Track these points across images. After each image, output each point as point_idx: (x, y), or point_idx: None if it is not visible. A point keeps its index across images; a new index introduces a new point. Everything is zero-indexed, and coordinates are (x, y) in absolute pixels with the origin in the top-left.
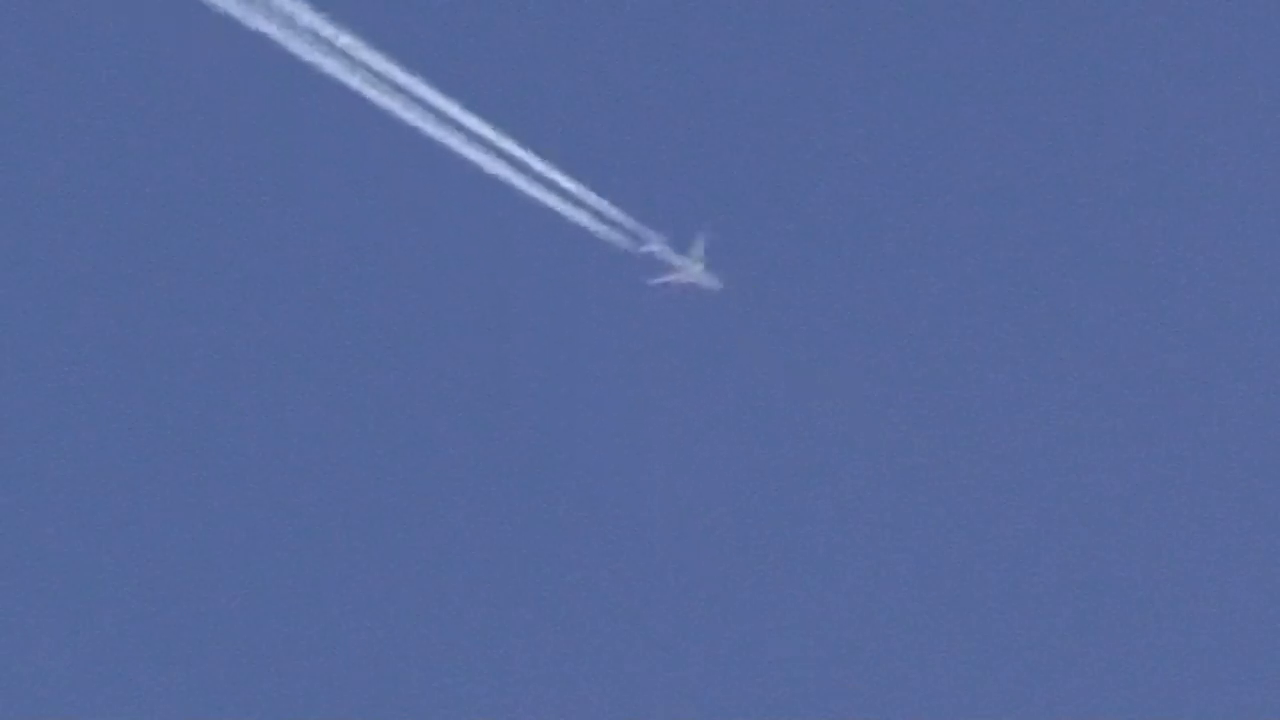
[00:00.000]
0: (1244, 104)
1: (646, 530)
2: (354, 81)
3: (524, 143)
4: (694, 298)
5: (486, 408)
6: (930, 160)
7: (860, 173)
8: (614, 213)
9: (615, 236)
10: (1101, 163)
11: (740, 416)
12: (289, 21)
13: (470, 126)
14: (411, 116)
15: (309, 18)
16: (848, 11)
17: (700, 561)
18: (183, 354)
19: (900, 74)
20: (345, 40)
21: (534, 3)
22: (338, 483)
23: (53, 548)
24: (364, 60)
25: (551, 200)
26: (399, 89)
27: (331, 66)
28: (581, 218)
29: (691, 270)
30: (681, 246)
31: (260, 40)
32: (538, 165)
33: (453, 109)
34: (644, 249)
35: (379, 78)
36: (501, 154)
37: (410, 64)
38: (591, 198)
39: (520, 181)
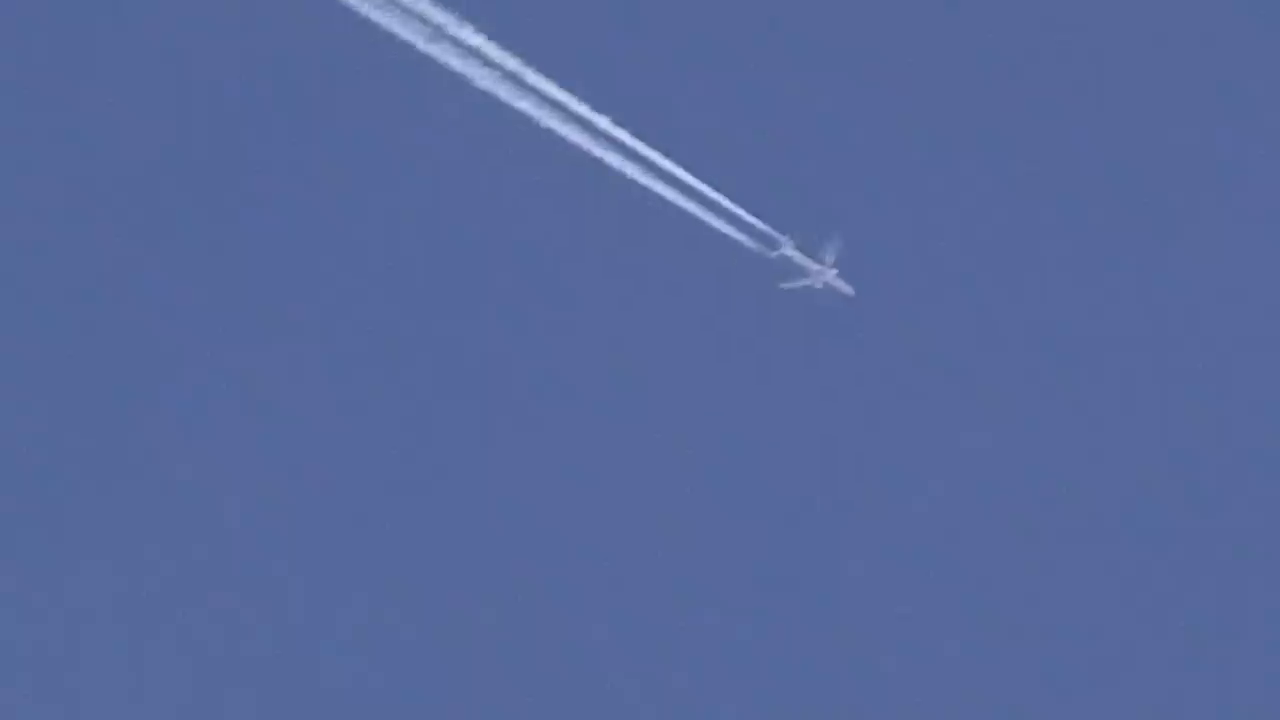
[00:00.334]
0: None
1: (778, 532)
2: (503, 90)
3: (657, 145)
4: (826, 302)
5: (624, 409)
6: (1076, 164)
7: (996, 179)
8: (746, 217)
9: (747, 241)
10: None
11: (872, 423)
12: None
13: (606, 129)
14: (557, 122)
15: (472, 38)
16: (986, 19)
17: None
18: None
19: (1040, 84)
20: (493, 49)
21: (676, 16)
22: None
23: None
24: (514, 70)
25: (684, 203)
26: (544, 97)
27: (485, 78)
28: (714, 221)
29: (824, 275)
30: (813, 251)
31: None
32: (671, 167)
33: (601, 120)
34: (776, 253)
35: (531, 90)
36: (637, 156)
37: (559, 76)
38: (724, 201)
39: (653, 183)
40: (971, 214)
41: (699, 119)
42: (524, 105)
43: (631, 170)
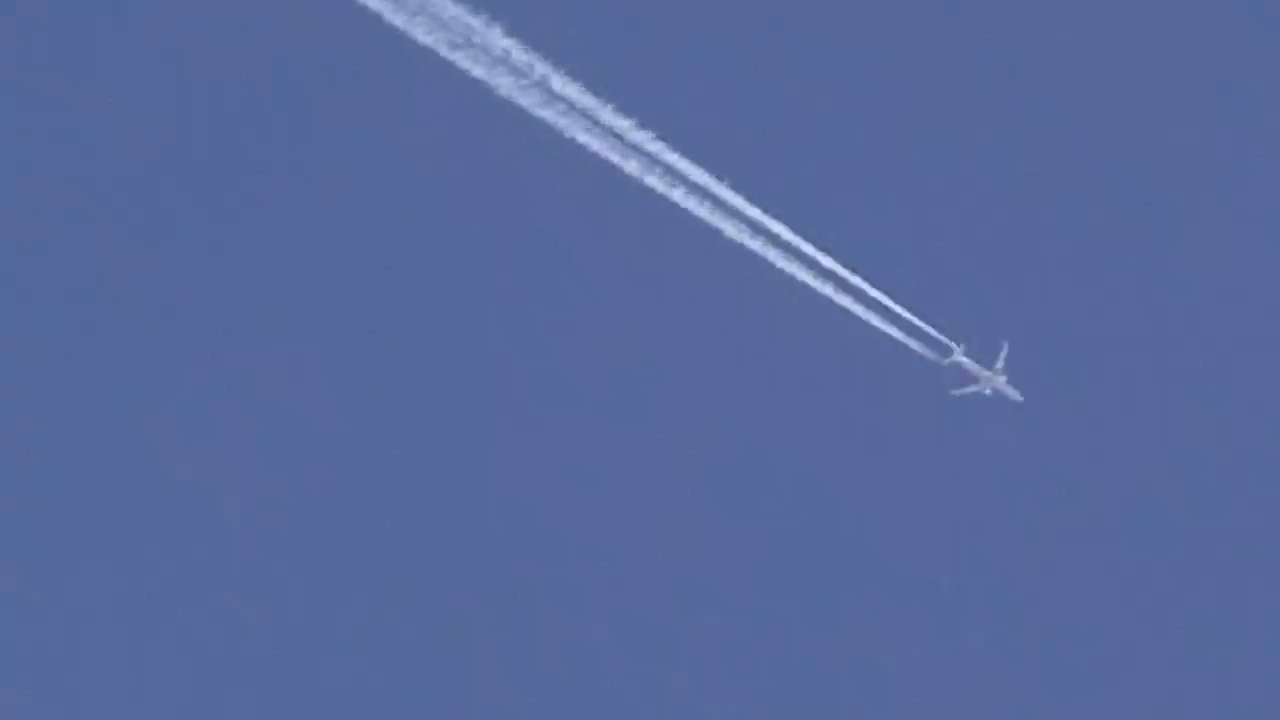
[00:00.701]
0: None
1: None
2: (678, 195)
3: (832, 253)
4: (997, 408)
5: (795, 519)
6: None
7: (1164, 291)
8: (919, 323)
9: (921, 348)
10: None
11: (1045, 530)
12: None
13: (787, 238)
14: (731, 228)
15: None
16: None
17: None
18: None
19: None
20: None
21: (847, 123)
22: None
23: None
24: (684, 173)
25: (860, 310)
26: (711, 196)
27: (654, 181)
28: (890, 329)
29: (995, 381)
30: (983, 358)
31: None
32: (847, 275)
33: (772, 223)
34: (949, 360)
35: (701, 192)
36: (812, 264)
37: (720, 170)
38: (899, 309)
39: (829, 291)
40: (1139, 316)
41: (866, 222)
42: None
43: (797, 270)
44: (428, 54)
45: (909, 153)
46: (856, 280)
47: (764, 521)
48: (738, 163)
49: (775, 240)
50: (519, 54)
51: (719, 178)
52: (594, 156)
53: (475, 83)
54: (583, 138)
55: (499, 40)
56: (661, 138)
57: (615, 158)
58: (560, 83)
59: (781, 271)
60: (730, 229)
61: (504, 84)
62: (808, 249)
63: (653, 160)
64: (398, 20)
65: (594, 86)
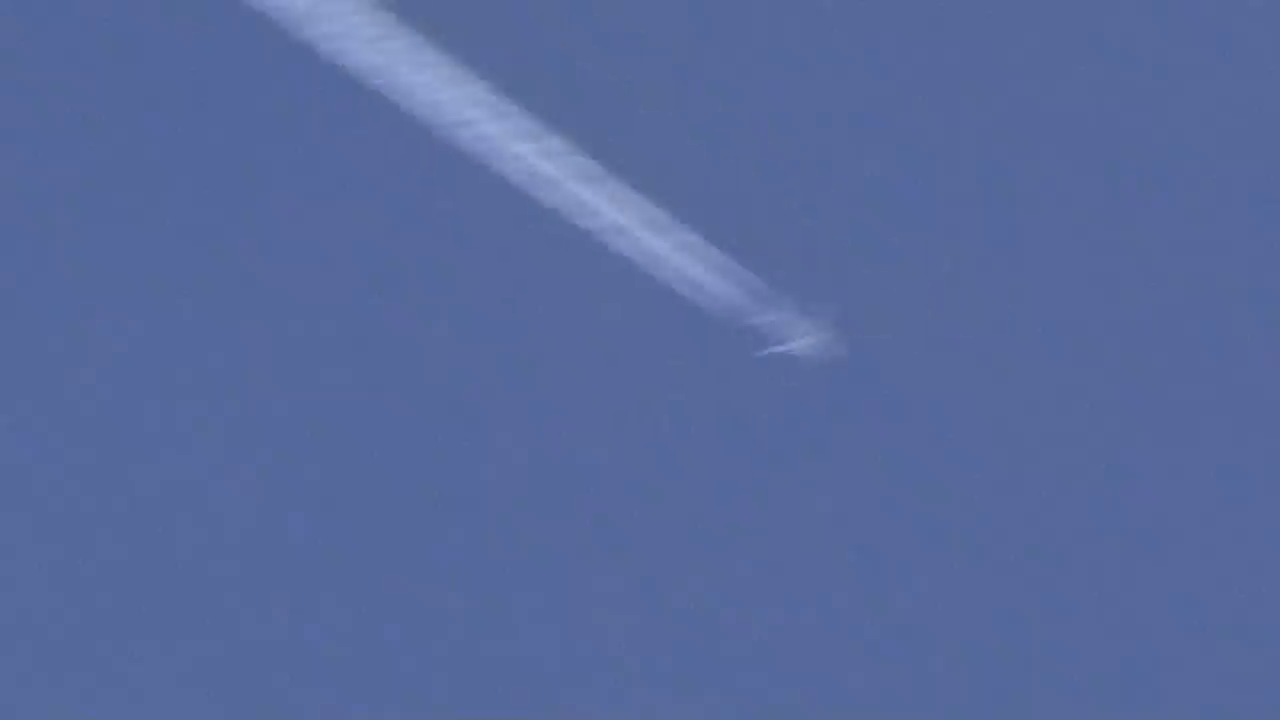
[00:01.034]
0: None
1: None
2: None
3: (647, 194)
4: (810, 370)
5: (587, 477)
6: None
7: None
8: (731, 278)
9: (731, 302)
10: None
11: (848, 490)
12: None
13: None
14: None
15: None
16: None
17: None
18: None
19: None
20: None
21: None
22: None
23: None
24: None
25: (667, 257)
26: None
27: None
28: (699, 278)
29: (807, 341)
30: (798, 316)
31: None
32: (660, 216)
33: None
34: (757, 318)
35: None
36: (616, 199)
37: (549, 121)
38: (711, 254)
39: (638, 236)
40: (973, 281)
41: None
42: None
43: (600, 204)
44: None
45: (729, 85)
46: (674, 227)
47: (551, 484)
48: (530, 93)
49: (581, 174)
50: None
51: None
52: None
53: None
54: None
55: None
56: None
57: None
58: None
59: (583, 207)
60: (523, 152)
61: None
62: (618, 187)
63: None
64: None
65: None
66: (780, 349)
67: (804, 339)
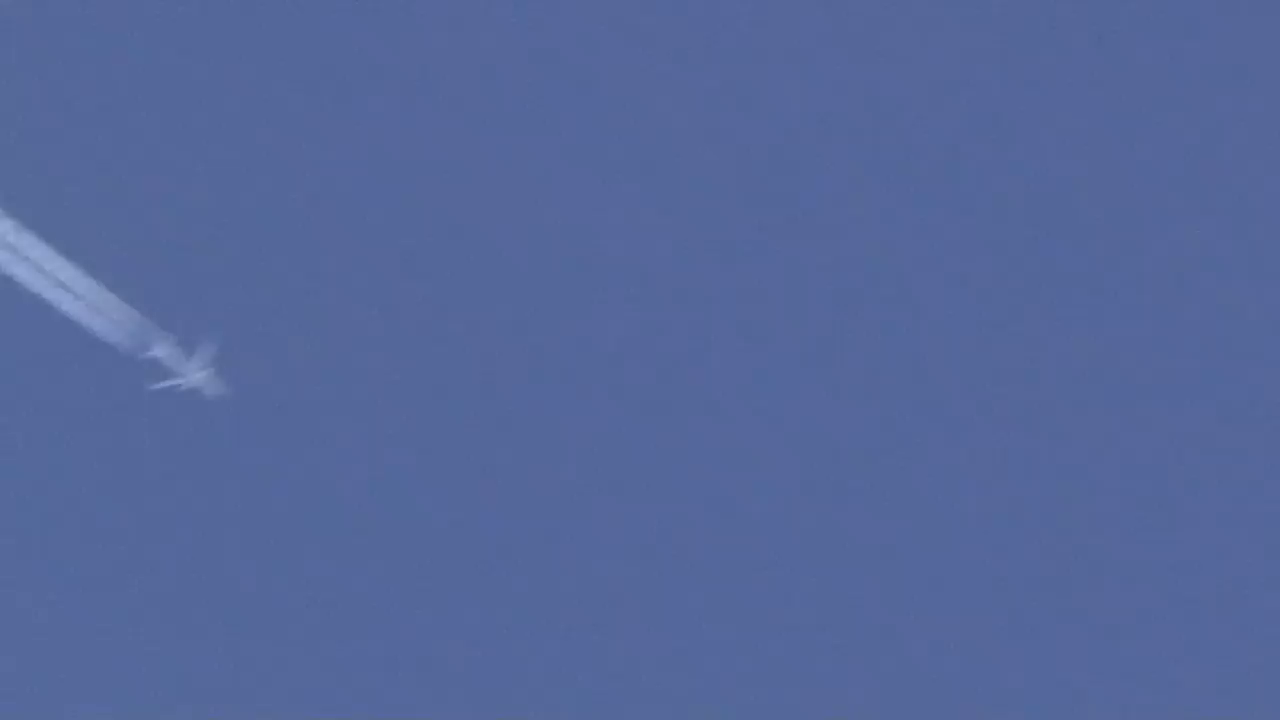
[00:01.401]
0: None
1: None
2: None
3: (24, 224)
4: (198, 404)
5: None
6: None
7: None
8: (119, 313)
9: (119, 338)
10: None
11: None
12: None
13: None
14: None
15: None
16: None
17: None
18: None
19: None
20: None
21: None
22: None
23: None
24: None
25: (49, 292)
26: None
27: None
28: (82, 314)
29: (196, 376)
30: (189, 350)
31: None
32: (36, 251)
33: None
34: (149, 353)
35: None
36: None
37: None
38: (96, 292)
39: (20, 270)
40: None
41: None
42: None
43: None
44: None
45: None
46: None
47: None
48: None
49: None
50: None
51: None
52: None
53: None
54: None
55: None
56: None
57: None
58: None
59: None
60: None
61: None
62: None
63: None
64: None
65: None
66: (173, 383)
67: (196, 373)
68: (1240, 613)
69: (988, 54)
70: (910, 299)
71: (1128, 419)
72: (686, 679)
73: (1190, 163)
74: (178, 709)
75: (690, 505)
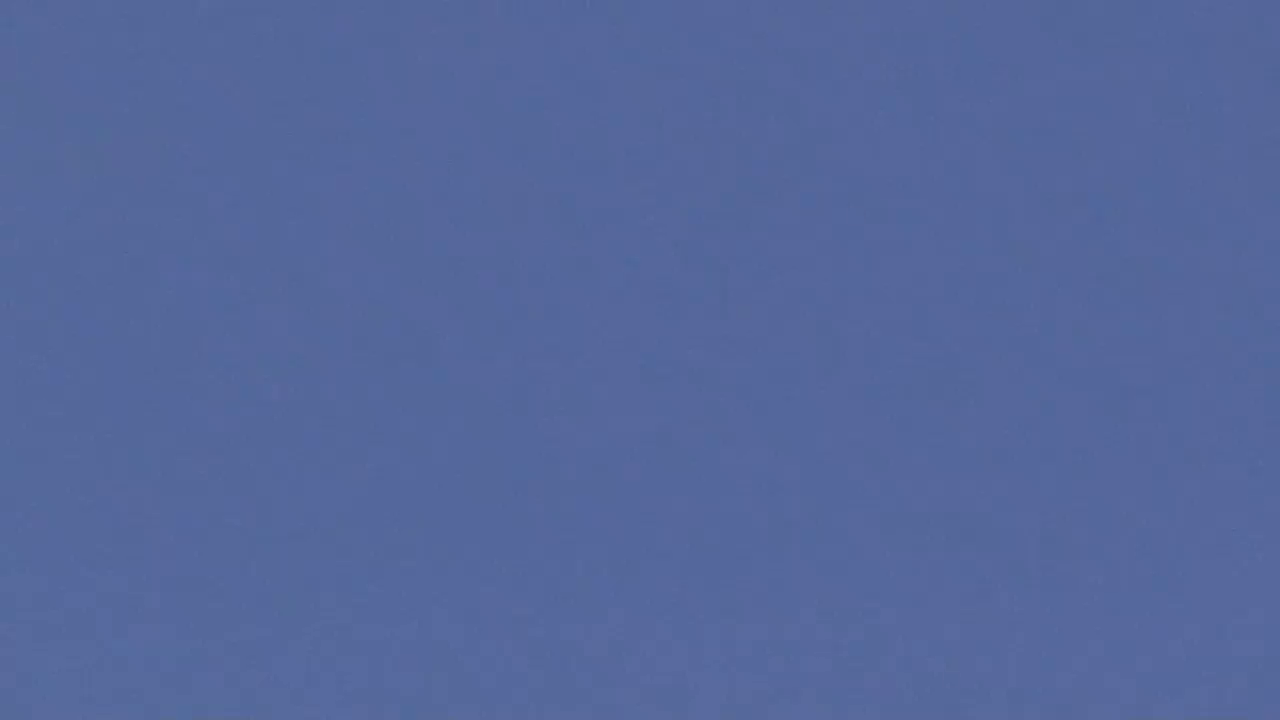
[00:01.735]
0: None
1: None
2: None
3: None
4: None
5: None
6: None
7: None
8: None
9: None
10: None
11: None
12: None
13: None
14: None
15: None
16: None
17: None
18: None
19: None
20: None
21: None
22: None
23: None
24: None
25: None
26: None
27: None
28: None
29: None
30: None
31: None
32: None
33: None
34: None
35: None
36: None
37: None
38: None
39: None
40: None
41: None
42: None
43: None
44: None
45: None
46: None
47: None
48: None
49: None
50: None
51: None
52: None
53: None
54: None
55: None
56: None
57: None
58: None
59: None
60: None
61: None
62: None
63: None
64: None
65: None
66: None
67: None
68: (1243, 613)
69: (988, 53)
70: (911, 299)
71: (1128, 418)
72: (686, 678)
73: (1192, 162)
74: (177, 709)
75: (690, 505)
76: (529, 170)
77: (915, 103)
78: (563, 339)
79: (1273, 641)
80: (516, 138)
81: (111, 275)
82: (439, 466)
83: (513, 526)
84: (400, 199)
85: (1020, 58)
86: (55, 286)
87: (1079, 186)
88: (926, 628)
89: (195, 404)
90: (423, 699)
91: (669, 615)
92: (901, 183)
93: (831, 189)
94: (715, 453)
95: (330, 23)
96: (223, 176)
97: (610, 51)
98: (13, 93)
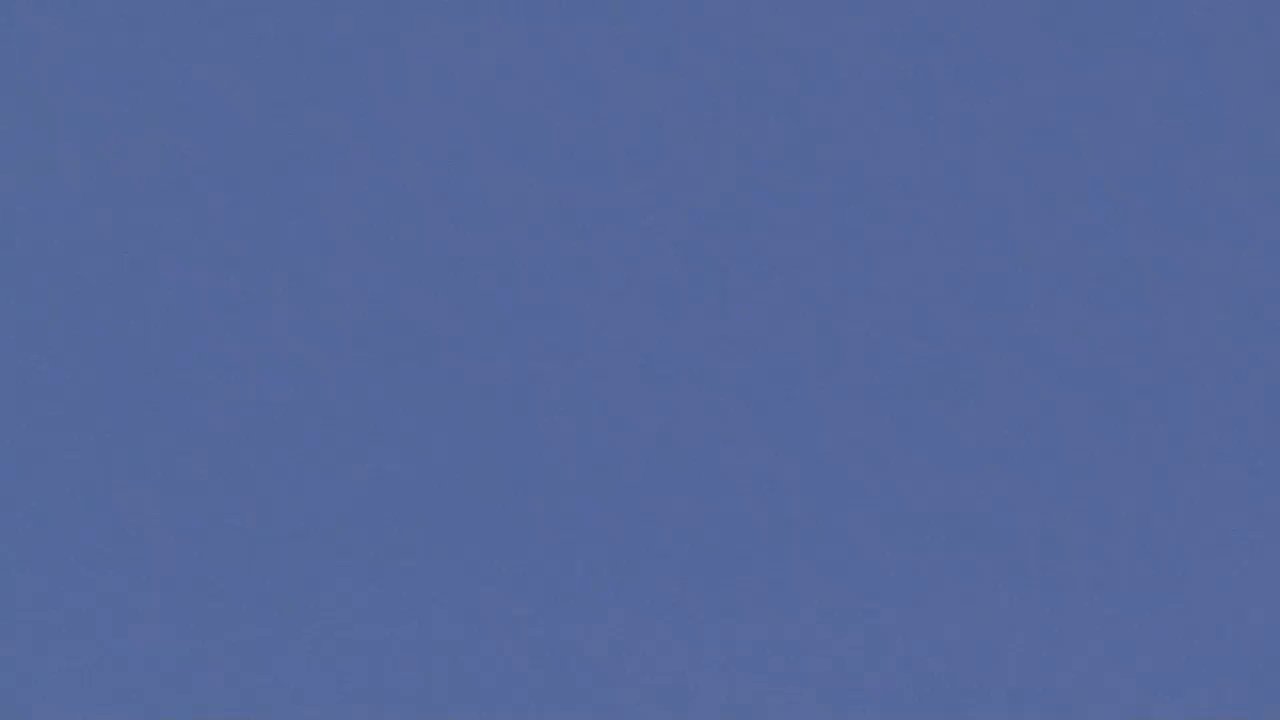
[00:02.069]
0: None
1: None
2: None
3: None
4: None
5: None
6: None
7: None
8: None
9: None
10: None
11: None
12: None
13: None
14: None
15: None
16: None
17: None
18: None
19: None
20: None
21: None
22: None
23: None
24: None
25: None
26: None
27: None
28: None
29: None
30: None
31: None
32: None
33: None
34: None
35: None
36: None
37: None
38: None
39: None
40: None
41: None
42: None
43: None
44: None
45: None
46: None
47: None
48: None
49: None
50: None
51: None
52: None
53: None
54: None
55: None
56: None
57: None
58: None
59: None
60: None
61: None
62: None
63: None
64: None
65: None
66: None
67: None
68: (1243, 613)
69: (988, 53)
70: (911, 299)
71: (1128, 419)
72: (686, 678)
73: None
74: (177, 709)
75: (690, 505)
76: (529, 170)
77: (915, 103)
78: (563, 339)
79: (1273, 641)
80: (516, 138)
81: (111, 275)
82: (439, 466)
83: (513, 526)
84: (400, 199)
85: (1020, 58)
86: (55, 286)
87: (1079, 186)
88: (926, 628)
89: (195, 404)
90: (423, 699)
91: (669, 615)
92: (901, 183)
93: (831, 189)
94: (715, 453)
95: (330, 23)
96: (223, 176)
97: (610, 51)
98: (13, 93)
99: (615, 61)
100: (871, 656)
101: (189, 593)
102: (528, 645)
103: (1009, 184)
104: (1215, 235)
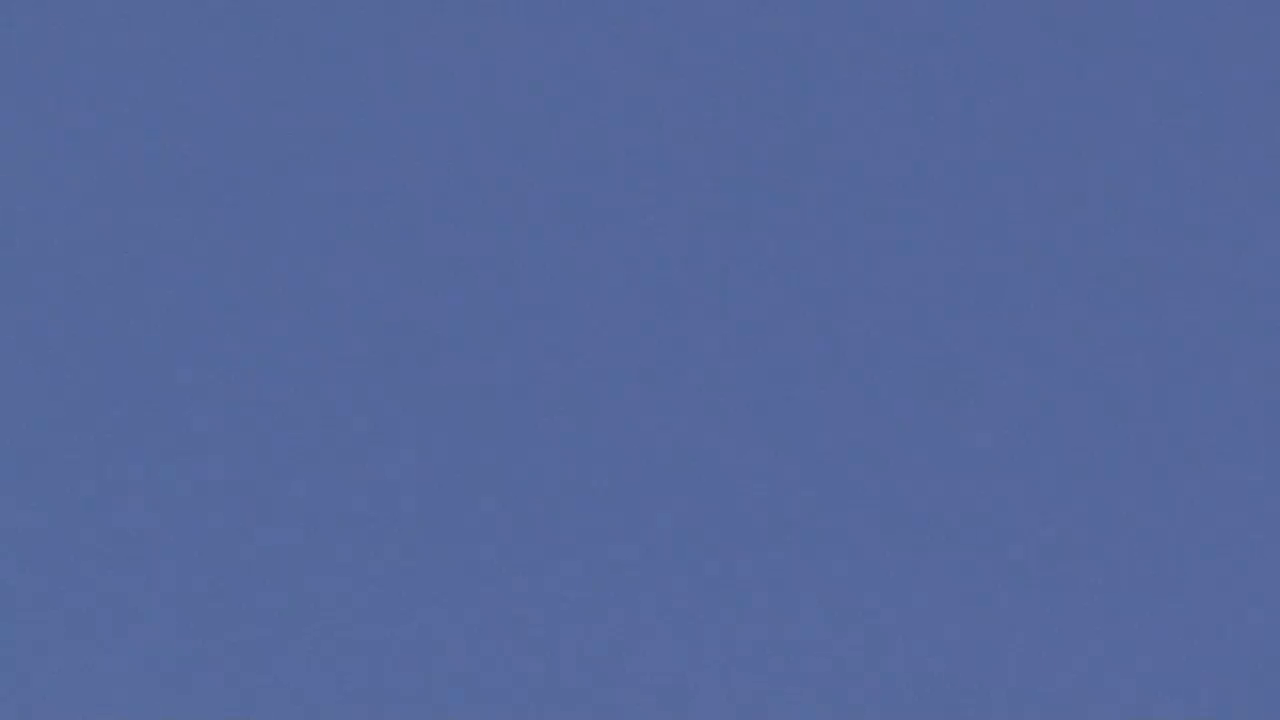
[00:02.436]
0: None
1: None
2: None
3: None
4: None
5: None
6: None
7: None
8: None
9: None
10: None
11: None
12: None
13: None
14: None
15: None
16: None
17: None
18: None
19: None
20: None
21: None
22: None
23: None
24: None
25: None
26: None
27: None
28: None
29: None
30: None
31: None
32: None
33: None
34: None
35: None
36: None
37: None
38: None
39: None
40: None
41: None
42: None
43: None
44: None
45: None
46: None
47: None
48: None
49: None
50: None
51: None
52: None
53: None
54: None
55: None
56: None
57: None
58: None
59: None
60: None
61: None
62: None
63: None
64: None
65: None
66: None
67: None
68: (1243, 613)
69: (988, 53)
70: (911, 299)
71: (1128, 419)
72: (686, 678)
73: (1192, 162)
74: (177, 709)
75: (690, 505)
76: (529, 170)
77: (915, 103)
78: (563, 339)
79: (1273, 641)
80: (516, 138)
81: (111, 275)
82: (439, 467)
83: (513, 526)
84: (400, 199)
85: (1020, 58)
86: (55, 286)
87: (1079, 186)
88: (926, 628)
89: (195, 404)
90: (423, 699)
91: (669, 615)
92: (901, 183)
93: (831, 189)
94: (715, 452)
95: (330, 23)
96: (223, 176)
97: (610, 51)
98: (13, 93)
99: (615, 61)
100: (871, 656)
101: (189, 593)
102: (528, 645)
103: (1009, 184)
104: (1215, 235)
